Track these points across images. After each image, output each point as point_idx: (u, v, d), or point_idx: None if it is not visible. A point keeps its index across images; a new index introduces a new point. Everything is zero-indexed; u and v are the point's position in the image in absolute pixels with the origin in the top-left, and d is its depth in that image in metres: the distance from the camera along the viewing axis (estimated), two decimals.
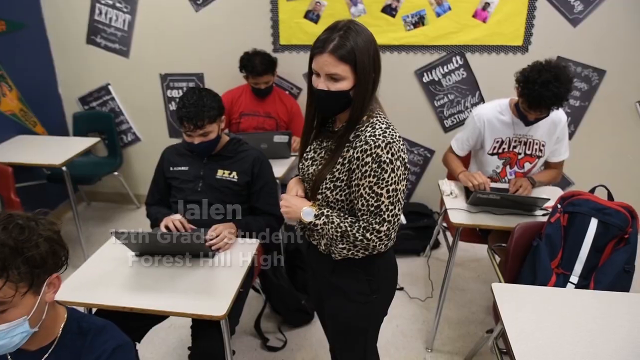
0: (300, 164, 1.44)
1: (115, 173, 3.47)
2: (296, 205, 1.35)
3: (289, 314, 2.44)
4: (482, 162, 2.36)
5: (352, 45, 1.19)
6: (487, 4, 2.83)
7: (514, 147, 2.26)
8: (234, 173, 1.95)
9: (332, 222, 1.30)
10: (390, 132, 1.24)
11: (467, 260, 3.00)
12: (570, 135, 3.09)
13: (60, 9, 3.25)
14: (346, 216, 1.32)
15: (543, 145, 2.25)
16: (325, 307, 1.53)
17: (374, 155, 1.21)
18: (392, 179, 1.22)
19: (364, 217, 1.27)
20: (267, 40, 3.08)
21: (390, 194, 1.23)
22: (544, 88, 1.95)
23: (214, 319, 1.45)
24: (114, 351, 1.04)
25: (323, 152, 1.37)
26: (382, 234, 1.25)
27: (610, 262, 1.70)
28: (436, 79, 3.09)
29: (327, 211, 1.32)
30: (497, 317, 1.79)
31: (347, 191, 1.30)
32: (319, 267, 1.47)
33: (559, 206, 1.82)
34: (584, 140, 3.09)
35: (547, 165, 2.36)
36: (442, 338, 2.38)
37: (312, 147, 1.41)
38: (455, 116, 3.15)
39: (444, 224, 2.69)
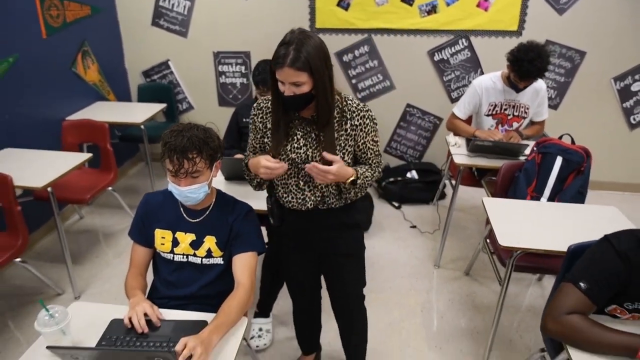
0: (294, 154, 1.59)
1: None
2: (344, 173, 1.54)
3: None
4: (480, 122, 2.99)
5: (306, 56, 1.40)
6: None
7: (505, 109, 2.89)
8: None
9: (365, 175, 1.62)
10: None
11: (467, 207, 3.65)
12: (557, 106, 3.73)
13: None
14: (361, 166, 1.65)
15: (527, 108, 2.88)
16: (335, 252, 1.79)
17: (370, 117, 1.60)
18: (377, 129, 1.64)
19: (375, 160, 1.66)
20: (305, 24, 3.70)
21: (378, 138, 1.66)
22: (531, 64, 2.57)
23: None
24: (248, 212, 1.69)
25: (314, 135, 1.58)
26: (381, 166, 1.70)
27: (569, 187, 2.35)
28: (445, 58, 3.71)
29: (355, 169, 1.60)
30: (486, 224, 2.44)
31: (353, 153, 1.62)
32: (330, 219, 1.70)
33: (534, 149, 2.46)
34: (568, 109, 3.71)
35: (533, 123, 2.99)
36: (446, 260, 3.05)
37: (297, 137, 1.59)
38: (461, 89, 3.78)
39: (450, 174, 3.32)
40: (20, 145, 2.88)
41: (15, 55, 2.91)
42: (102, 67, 3.84)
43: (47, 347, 1.17)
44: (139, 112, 3.62)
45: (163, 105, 3.73)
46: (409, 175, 3.83)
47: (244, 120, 2.65)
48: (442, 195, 3.79)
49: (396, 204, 3.70)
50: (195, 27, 3.91)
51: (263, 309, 2.44)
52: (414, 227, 3.41)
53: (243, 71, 4.00)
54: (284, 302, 2.58)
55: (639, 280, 1.38)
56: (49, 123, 3.26)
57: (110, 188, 3.18)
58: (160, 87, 4.15)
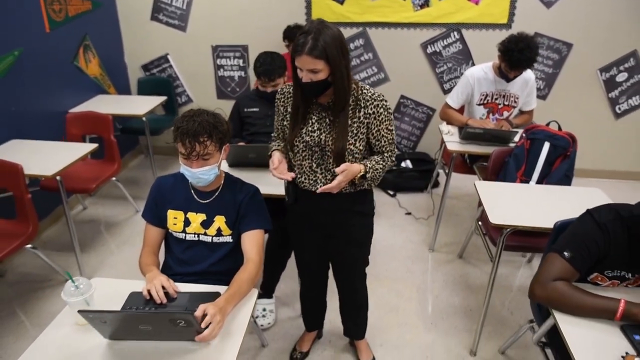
0: (308, 137, 1.69)
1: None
2: (352, 172, 1.64)
3: None
4: (472, 111, 3.11)
5: (323, 44, 1.49)
6: None
7: (496, 99, 3.01)
8: None
9: (375, 168, 1.69)
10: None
11: (461, 195, 3.78)
12: (545, 96, 3.86)
13: None
14: (373, 157, 1.73)
15: (517, 98, 3.00)
16: (345, 237, 1.88)
17: (384, 106, 1.66)
18: (392, 118, 1.72)
19: (388, 148, 1.73)
20: (301, 18, 3.80)
21: (393, 127, 1.74)
22: (521, 54, 2.69)
23: None
24: (255, 192, 1.80)
25: (328, 121, 1.67)
26: (395, 154, 1.79)
27: (556, 170, 2.47)
28: (438, 50, 3.83)
29: (365, 163, 1.68)
30: (478, 207, 2.56)
31: (365, 140, 1.69)
32: (340, 203, 1.79)
33: (523, 135, 2.58)
34: (556, 99, 3.85)
35: (522, 113, 3.12)
36: (440, 244, 3.17)
37: (312, 121, 1.69)
38: (453, 81, 3.90)
39: (443, 162, 3.44)
40: (26, 137, 2.96)
41: (20, 49, 2.99)
42: (103, 61, 3.91)
43: (79, 311, 1.27)
44: (140, 105, 3.70)
45: (164, 98, 3.81)
46: (403, 164, 3.95)
47: (245, 110, 2.75)
48: (436, 184, 3.92)
49: (391, 192, 3.82)
50: (194, 22, 3.99)
51: (266, 290, 2.54)
52: (409, 214, 3.54)
53: (241, 64, 4.09)
54: (285, 284, 2.69)
55: (617, 249, 1.51)
56: (53, 115, 3.34)
57: (114, 178, 3.26)
58: (159, 80, 4.22)
